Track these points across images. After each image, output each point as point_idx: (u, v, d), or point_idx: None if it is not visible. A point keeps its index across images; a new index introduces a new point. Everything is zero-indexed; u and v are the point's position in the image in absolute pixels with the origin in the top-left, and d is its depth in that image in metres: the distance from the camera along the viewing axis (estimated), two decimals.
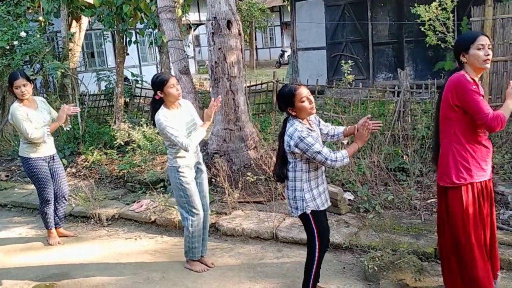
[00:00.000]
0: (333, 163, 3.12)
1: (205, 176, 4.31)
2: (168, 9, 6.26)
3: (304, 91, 3.17)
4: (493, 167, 5.42)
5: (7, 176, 7.70)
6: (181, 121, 3.96)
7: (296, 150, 3.15)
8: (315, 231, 3.33)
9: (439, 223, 3.35)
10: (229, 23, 5.76)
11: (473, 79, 3.00)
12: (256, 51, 32.70)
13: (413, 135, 6.25)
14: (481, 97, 2.96)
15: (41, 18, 9.57)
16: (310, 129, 3.24)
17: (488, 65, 3.01)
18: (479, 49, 2.96)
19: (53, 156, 5.11)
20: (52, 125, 4.99)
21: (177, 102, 4.00)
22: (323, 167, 3.37)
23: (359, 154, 6.00)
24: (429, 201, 5.08)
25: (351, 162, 5.75)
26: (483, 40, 2.97)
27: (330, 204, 3.48)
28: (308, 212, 3.28)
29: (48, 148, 5.02)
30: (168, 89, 3.85)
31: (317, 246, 3.35)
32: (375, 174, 5.61)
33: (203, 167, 4.28)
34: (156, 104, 3.99)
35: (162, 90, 3.86)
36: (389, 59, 12.27)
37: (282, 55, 28.62)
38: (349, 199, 5.29)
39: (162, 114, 3.87)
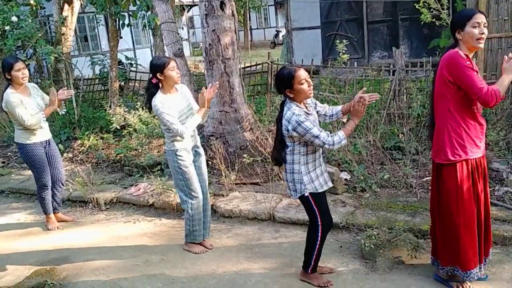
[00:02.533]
0: (331, 146, 3.14)
1: (203, 159, 4.32)
2: None
3: (303, 73, 3.18)
4: (488, 144, 5.49)
5: (3, 162, 7.70)
6: (178, 106, 3.95)
7: (294, 134, 3.16)
8: (317, 212, 3.37)
9: (433, 204, 3.38)
10: (222, 4, 5.71)
11: (466, 55, 3.01)
12: (251, 31, 32.44)
13: (409, 114, 6.27)
14: (475, 73, 2.97)
15: (32, 1, 9.46)
16: (307, 113, 3.25)
17: (482, 45, 3.01)
18: (474, 27, 2.95)
19: (49, 141, 5.10)
20: (47, 110, 4.97)
21: (174, 86, 3.99)
22: (320, 150, 3.39)
23: (355, 134, 6.02)
24: (424, 179, 5.12)
25: (347, 142, 5.76)
26: (479, 18, 2.96)
27: (330, 185, 3.49)
28: (307, 194, 3.31)
29: (44, 133, 5.01)
30: (169, 71, 3.83)
31: (319, 227, 3.38)
32: (371, 153, 5.64)
33: (201, 150, 4.29)
34: (152, 88, 3.95)
35: (162, 73, 3.83)
36: (384, 38, 12.21)
37: (276, 35, 28.46)
38: (346, 179, 5.32)
39: (159, 100, 3.86)
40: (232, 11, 5.83)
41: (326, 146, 3.14)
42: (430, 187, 3.71)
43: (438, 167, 3.24)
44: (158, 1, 6.22)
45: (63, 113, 5.42)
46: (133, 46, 20.04)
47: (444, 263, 3.29)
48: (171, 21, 6.22)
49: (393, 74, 7.37)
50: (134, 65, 11.53)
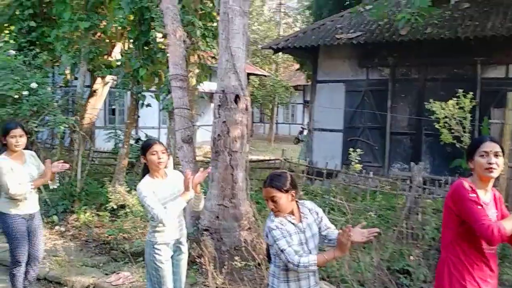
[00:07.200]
0: (295, 267, 2.71)
1: (184, 257, 3.98)
2: (179, 78, 6.17)
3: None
4: (503, 284, 4.93)
5: None
6: (163, 192, 3.69)
7: (269, 242, 2.83)
8: None
9: None
10: (237, 98, 5.61)
11: (471, 187, 2.73)
12: (277, 125, 32.96)
13: (422, 235, 5.84)
14: (479, 207, 2.67)
15: (67, 72, 9.71)
16: (293, 223, 2.86)
17: (493, 174, 2.73)
18: (481, 156, 2.73)
19: (34, 215, 4.80)
20: (37, 181, 4.72)
21: (162, 171, 3.76)
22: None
23: (361, 249, 5.59)
24: None
25: (350, 258, 5.31)
26: (488, 146, 2.73)
27: None
28: None
29: (29, 206, 4.73)
30: (149, 155, 3.67)
31: None
32: (374, 275, 5.14)
33: (184, 247, 3.95)
34: (145, 171, 3.80)
35: (145, 155, 3.69)
36: (406, 150, 11.97)
37: (301, 132, 28.68)
38: None
39: (144, 183, 3.67)
40: (246, 106, 5.71)
41: (290, 265, 2.72)
42: None
43: None
44: (175, 86, 6.18)
45: (55, 187, 5.14)
46: (159, 125, 20.35)
47: None
48: (185, 107, 6.13)
49: (409, 191, 7.01)
50: None
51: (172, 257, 3.86)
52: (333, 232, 3.03)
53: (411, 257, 5.40)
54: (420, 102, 11.35)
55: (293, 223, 2.87)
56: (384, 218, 6.85)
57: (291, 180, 2.87)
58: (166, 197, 3.69)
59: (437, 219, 6.17)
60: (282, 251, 2.73)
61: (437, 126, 5.88)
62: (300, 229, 2.89)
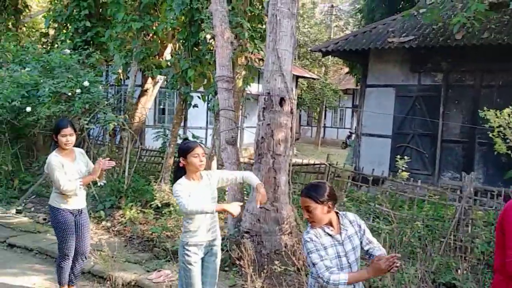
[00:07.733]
0: (325, 283, 2.63)
1: (217, 260, 3.99)
2: (225, 79, 6.19)
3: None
4: None
5: (44, 219, 7.69)
6: (199, 194, 3.73)
7: (304, 253, 2.78)
8: None
9: None
10: (282, 100, 5.56)
11: None
12: (324, 129, 32.61)
13: (471, 248, 5.58)
14: None
15: (120, 70, 10.00)
16: (330, 235, 2.78)
17: None
18: None
19: (82, 210, 4.95)
20: (86, 178, 4.87)
21: (198, 173, 3.80)
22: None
23: (406, 259, 5.41)
24: None
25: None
26: None
27: None
28: None
29: (77, 202, 4.88)
30: (191, 157, 3.70)
31: None
32: (419, 287, 4.95)
33: (217, 249, 3.96)
34: (179, 172, 3.83)
35: (186, 157, 3.72)
36: (458, 159, 11.52)
37: (349, 137, 28.25)
38: None
39: (179, 183, 3.72)
40: (291, 108, 5.65)
41: (320, 280, 2.64)
42: None
43: None
44: (221, 88, 6.21)
45: (102, 184, 5.29)
46: (206, 125, 20.56)
47: None
48: (230, 109, 6.15)
49: (459, 201, 6.72)
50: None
51: (204, 258, 3.88)
52: (374, 247, 2.92)
53: (459, 271, 5.17)
54: (474, 110, 10.90)
55: (330, 235, 2.80)
56: (432, 229, 6.59)
57: (330, 191, 2.79)
58: (205, 198, 3.73)
59: (488, 232, 5.89)
60: (313, 264, 2.68)
61: (491, 135, 5.60)
62: (338, 241, 2.81)
